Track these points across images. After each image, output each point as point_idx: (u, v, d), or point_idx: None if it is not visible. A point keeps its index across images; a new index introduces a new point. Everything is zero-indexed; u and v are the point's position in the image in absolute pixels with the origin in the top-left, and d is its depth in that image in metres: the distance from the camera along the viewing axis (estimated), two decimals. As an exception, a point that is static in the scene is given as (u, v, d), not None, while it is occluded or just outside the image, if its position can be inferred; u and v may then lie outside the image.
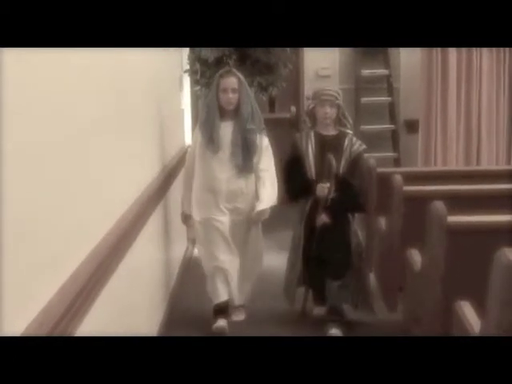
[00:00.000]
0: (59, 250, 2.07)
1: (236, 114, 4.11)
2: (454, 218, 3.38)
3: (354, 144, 4.10)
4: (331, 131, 4.15)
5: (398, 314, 4.32)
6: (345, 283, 4.11)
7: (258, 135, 4.14)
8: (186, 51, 6.18)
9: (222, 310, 4.27)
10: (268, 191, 4.14)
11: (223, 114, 4.14)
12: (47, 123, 1.96)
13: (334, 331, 4.05)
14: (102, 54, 2.50)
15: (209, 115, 4.14)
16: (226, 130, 4.12)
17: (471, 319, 2.96)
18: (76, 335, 2.08)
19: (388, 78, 7.76)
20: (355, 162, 4.09)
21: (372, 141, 7.67)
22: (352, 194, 4.05)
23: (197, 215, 4.23)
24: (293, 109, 7.99)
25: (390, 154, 7.78)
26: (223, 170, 4.14)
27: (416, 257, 3.89)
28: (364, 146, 4.14)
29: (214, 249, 4.19)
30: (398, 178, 4.39)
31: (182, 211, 4.37)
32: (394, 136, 7.83)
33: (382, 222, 4.79)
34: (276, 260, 4.89)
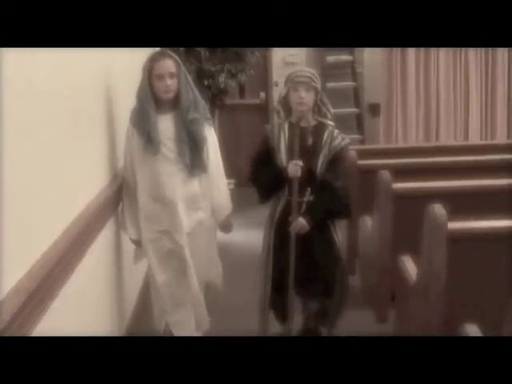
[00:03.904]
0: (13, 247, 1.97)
1: (175, 103, 3.44)
2: (456, 225, 3.01)
3: (334, 138, 3.46)
4: (308, 122, 3.47)
5: (389, 325, 3.88)
6: (325, 305, 3.59)
7: (204, 125, 3.50)
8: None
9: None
10: (225, 192, 3.63)
11: (160, 105, 3.44)
12: (46, 123, 2.04)
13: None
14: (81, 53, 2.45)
15: (142, 109, 3.42)
16: (166, 124, 3.43)
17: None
18: (31, 335, 2.00)
19: (352, 63, 8.14)
20: (335, 160, 3.45)
21: (338, 124, 7.99)
22: (332, 196, 3.42)
23: (147, 234, 3.51)
24: (262, 95, 8.40)
25: (356, 136, 8.16)
26: (171, 173, 3.44)
27: (410, 266, 3.44)
28: (347, 141, 3.56)
29: (173, 284, 3.54)
30: (386, 175, 3.94)
31: (129, 237, 3.59)
32: (359, 119, 8.21)
33: (368, 222, 4.42)
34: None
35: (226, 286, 3.78)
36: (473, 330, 2.38)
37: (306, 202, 3.44)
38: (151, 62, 3.39)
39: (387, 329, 3.79)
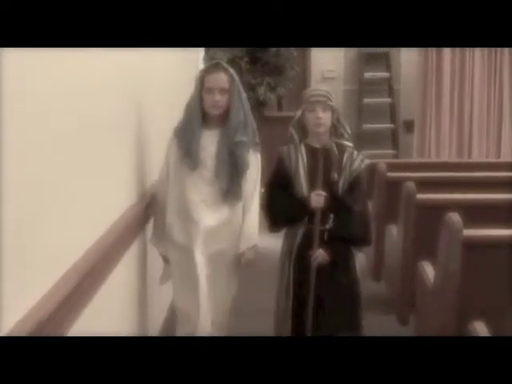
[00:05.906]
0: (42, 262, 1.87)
1: (224, 121, 3.20)
2: (471, 232, 3.15)
3: (354, 160, 3.31)
4: (326, 144, 3.30)
5: (410, 327, 3.98)
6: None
7: (250, 151, 3.22)
8: (202, 52, 6.75)
9: None
10: (254, 223, 3.28)
11: (207, 120, 3.22)
12: (46, 124, 1.89)
13: None
14: (106, 53, 2.33)
15: (188, 120, 3.22)
16: (210, 141, 3.20)
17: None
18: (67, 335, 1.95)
19: (389, 80, 8.39)
20: (355, 183, 3.31)
21: (373, 139, 8.34)
22: (351, 221, 3.25)
23: (172, 253, 3.32)
24: (300, 108, 8.67)
25: (390, 152, 8.40)
26: (202, 193, 3.19)
27: (429, 270, 3.59)
28: (366, 162, 3.37)
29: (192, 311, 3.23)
30: (411, 186, 4.13)
31: (159, 252, 3.44)
32: (394, 134, 8.46)
33: (394, 230, 4.58)
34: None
35: (248, 290, 3.66)
36: (481, 327, 2.61)
37: (328, 230, 3.25)
38: (203, 74, 3.23)
39: (409, 331, 3.99)
